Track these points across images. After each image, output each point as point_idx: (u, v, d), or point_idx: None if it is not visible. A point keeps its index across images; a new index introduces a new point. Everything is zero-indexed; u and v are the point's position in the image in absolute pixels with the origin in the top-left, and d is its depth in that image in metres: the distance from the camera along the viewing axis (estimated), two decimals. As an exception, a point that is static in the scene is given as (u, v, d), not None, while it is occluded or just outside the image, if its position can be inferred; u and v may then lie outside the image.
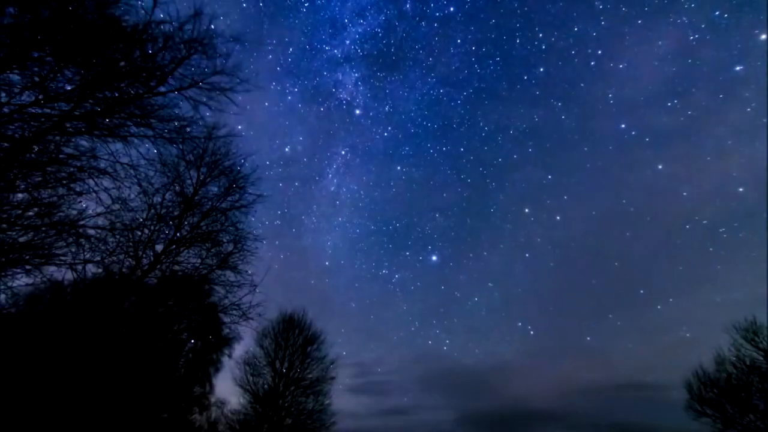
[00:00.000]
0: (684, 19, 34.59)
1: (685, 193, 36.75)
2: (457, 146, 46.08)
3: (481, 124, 44.53)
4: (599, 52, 37.62)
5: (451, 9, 40.51)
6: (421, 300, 48.42)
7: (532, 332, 40.24)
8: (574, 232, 43.02)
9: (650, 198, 39.38)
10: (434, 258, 44.39)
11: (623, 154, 40.10)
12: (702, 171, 36.48)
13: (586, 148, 42.15)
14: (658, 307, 36.08)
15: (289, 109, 43.52)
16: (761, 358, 18.72)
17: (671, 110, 36.99)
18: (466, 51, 42.09)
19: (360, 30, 41.41)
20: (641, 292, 37.74)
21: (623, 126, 38.28)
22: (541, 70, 40.60)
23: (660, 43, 36.08)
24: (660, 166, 36.74)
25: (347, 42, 41.80)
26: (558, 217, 41.91)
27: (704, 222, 35.52)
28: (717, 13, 33.24)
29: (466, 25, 42.04)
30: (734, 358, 19.36)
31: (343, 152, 45.23)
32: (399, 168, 46.44)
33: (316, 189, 45.61)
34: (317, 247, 46.73)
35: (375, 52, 43.52)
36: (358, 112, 44.38)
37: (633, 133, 38.11)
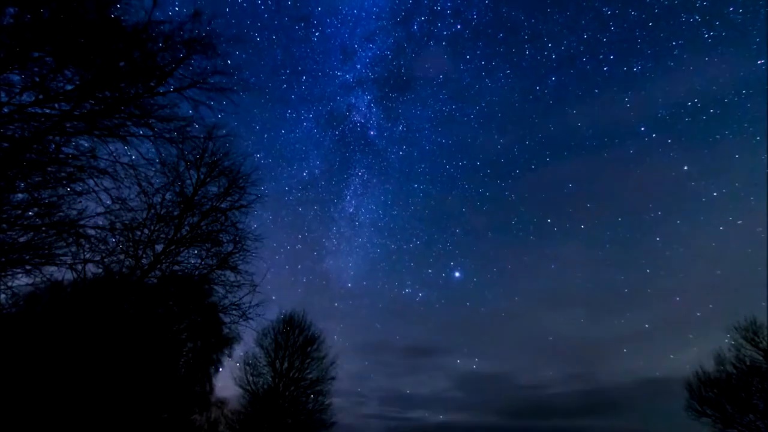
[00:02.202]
0: (696, 17, 34.04)
1: (715, 194, 34.56)
2: (473, 160, 45.88)
3: (496, 136, 44.39)
4: (611, 57, 37.22)
5: (458, 27, 40.95)
6: (446, 318, 47.96)
7: (564, 346, 39.40)
8: (601, 241, 41.47)
9: (678, 201, 38.09)
10: (457, 274, 43.82)
11: (645, 157, 38.68)
12: (731, 169, 34.69)
13: (605, 154, 41.25)
14: (698, 314, 34.04)
15: (305, 134, 44.48)
16: (761, 358, 18.72)
17: (692, 109, 35.93)
18: (476, 66, 42.26)
19: (370, 54, 42.51)
20: (677, 299, 35.82)
21: (643, 129, 37.31)
22: (553, 79, 40.47)
23: (673, 43, 35.55)
24: (685, 167, 35.55)
25: (358, 66, 42.86)
26: (582, 226, 40.41)
27: (739, 222, 33.42)
28: (731, 8, 32.68)
29: (474, 42, 42.43)
30: (734, 359, 19.38)
31: (359, 173, 45.76)
32: (416, 186, 46.46)
33: (335, 211, 45.88)
34: (339, 269, 46.87)
35: (386, 74, 44.31)
36: (372, 133, 45.05)
37: (654, 135, 37.12)
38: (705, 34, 34.00)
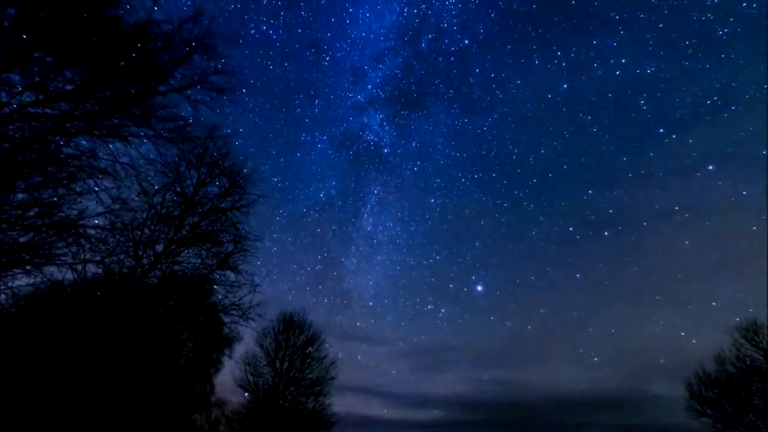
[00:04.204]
0: (709, 15, 33.37)
1: (744, 192, 32.73)
2: (488, 172, 45.20)
3: (510, 147, 43.47)
4: (623, 60, 36.22)
5: (466, 42, 41.15)
6: (471, 333, 46.67)
7: (596, 358, 37.45)
8: (626, 246, 39.76)
9: (705, 201, 36.19)
10: (479, 288, 42.67)
11: (666, 158, 37.18)
12: (759, 167, 32.49)
13: (624, 158, 39.49)
14: (737, 319, 32.81)
15: (320, 156, 45.19)
16: (761, 358, 18.71)
17: (712, 108, 34.60)
18: (486, 79, 42.16)
19: (380, 74, 43.49)
20: (713, 304, 33.07)
21: (661, 131, 36.16)
22: (565, 86, 39.53)
23: (686, 42, 34.74)
24: (710, 167, 34.18)
25: (369, 87, 43.77)
26: (605, 233, 38.78)
27: (770, 221, 31.77)
28: (744, 4, 31.92)
29: (482, 55, 42.70)
30: (734, 358, 19.37)
31: (375, 191, 46.10)
32: (432, 200, 45.88)
33: (353, 230, 45.95)
34: (360, 288, 46.50)
35: (396, 93, 44.88)
36: (386, 151, 45.66)
37: (673, 136, 35.93)
38: (719, 31, 33.25)
